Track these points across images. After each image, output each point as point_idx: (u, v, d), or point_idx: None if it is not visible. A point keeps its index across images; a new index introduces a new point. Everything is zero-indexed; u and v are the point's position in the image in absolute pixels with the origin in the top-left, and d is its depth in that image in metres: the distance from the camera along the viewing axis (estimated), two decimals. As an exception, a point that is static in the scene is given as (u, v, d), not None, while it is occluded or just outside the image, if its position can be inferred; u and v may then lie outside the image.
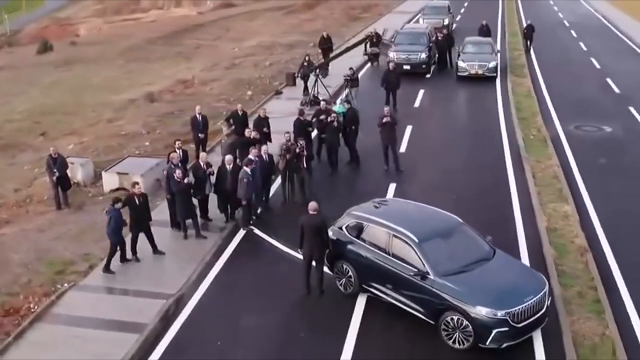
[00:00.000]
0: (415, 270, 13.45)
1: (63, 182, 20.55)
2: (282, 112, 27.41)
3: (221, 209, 19.05)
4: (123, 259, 16.63)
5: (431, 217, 15.09)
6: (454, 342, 13.09)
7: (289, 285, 15.60)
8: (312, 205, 14.99)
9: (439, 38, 37.61)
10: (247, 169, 18.13)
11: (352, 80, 29.41)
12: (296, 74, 31.78)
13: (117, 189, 21.48)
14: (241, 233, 18.24)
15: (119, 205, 16.22)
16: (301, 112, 22.67)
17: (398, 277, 13.85)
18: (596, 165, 22.66)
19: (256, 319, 14.33)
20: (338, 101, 26.93)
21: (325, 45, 37.64)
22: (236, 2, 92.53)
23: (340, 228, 15.25)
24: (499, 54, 36.41)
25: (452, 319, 13.00)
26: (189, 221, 17.98)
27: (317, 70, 30.21)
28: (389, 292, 14.18)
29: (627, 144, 24.91)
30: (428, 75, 35.67)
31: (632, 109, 29.11)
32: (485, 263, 13.80)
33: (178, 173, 17.63)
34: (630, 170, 22.24)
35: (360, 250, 14.66)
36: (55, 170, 20.21)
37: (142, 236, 16.91)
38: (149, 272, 16.39)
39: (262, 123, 22.00)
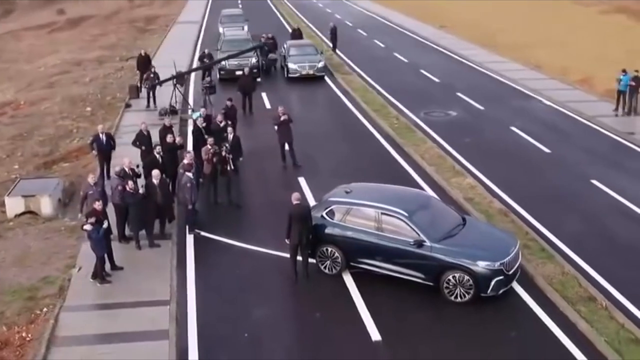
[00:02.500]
0: (411, 240, 15.12)
1: (-24, 212, 19.41)
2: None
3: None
4: (94, 275, 16.41)
5: (406, 193, 16.89)
6: (455, 297, 14.96)
7: (270, 277, 16.55)
8: (296, 195, 16.04)
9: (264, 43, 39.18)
10: (189, 174, 18.58)
11: (209, 88, 30.37)
12: (145, 85, 31.71)
13: (24, 213, 20.72)
14: (190, 237, 18.64)
15: (92, 220, 15.99)
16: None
17: (391, 250, 15.40)
18: (465, 144, 25.51)
19: (265, 311, 15.05)
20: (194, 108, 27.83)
21: (144, 62, 36.92)
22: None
23: (320, 215, 16.42)
24: (324, 54, 38.92)
25: (453, 277, 14.85)
26: (141, 232, 18.04)
27: (175, 80, 30.56)
28: (381, 264, 15.68)
29: (475, 124, 28.25)
30: (259, 79, 36.68)
31: (460, 95, 32.78)
32: (462, 227, 15.86)
33: (131, 185, 17.62)
34: (494, 145, 25.43)
35: (346, 232, 15.98)
36: (-33, 200, 19.04)
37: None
38: (126, 285, 16.22)
39: (168, 131, 22.20)
